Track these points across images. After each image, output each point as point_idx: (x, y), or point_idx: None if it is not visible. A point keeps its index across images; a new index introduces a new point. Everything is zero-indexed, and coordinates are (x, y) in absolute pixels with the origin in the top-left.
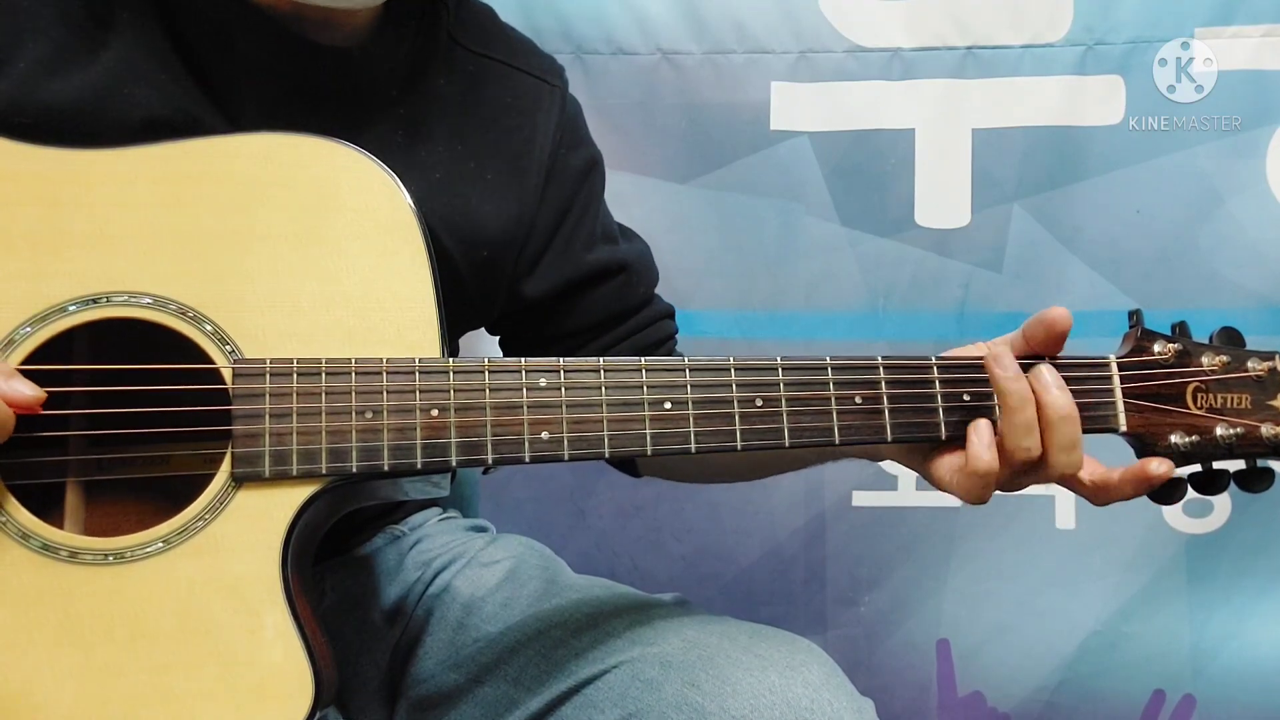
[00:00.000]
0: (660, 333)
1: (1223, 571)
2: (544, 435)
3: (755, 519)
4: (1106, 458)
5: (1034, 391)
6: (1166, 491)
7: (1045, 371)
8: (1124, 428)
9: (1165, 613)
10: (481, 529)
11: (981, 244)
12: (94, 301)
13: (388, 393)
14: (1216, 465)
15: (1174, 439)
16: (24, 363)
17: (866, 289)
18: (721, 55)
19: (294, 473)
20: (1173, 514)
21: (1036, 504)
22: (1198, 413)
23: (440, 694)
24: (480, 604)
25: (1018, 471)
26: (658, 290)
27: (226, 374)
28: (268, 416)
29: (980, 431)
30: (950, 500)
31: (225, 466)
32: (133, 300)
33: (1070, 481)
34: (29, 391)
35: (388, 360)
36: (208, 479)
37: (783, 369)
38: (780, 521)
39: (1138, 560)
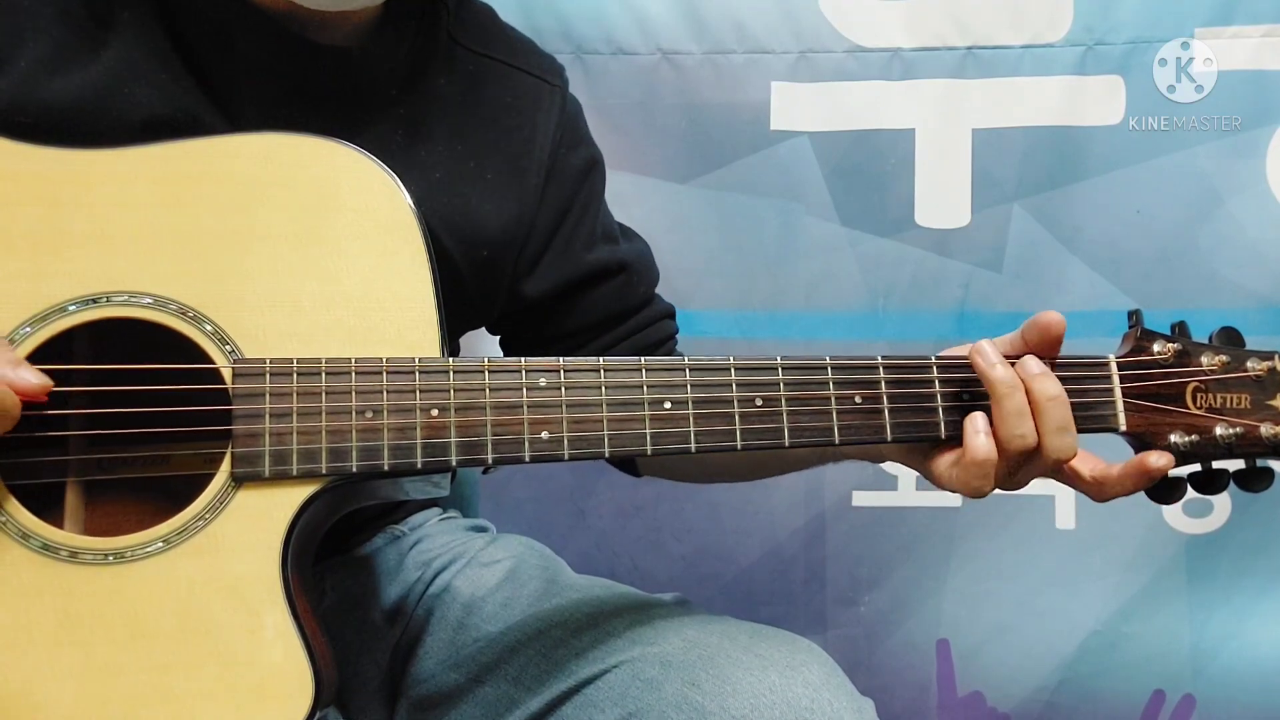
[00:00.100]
0: (660, 333)
1: (1223, 571)
2: (544, 435)
3: (755, 519)
4: (1106, 458)
5: (1021, 379)
6: (1166, 491)
7: (1030, 361)
8: (1124, 427)
9: (1165, 613)
10: (481, 529)
11: (981, 244)
12: (94, 301)
13: (388, 393)
14: (1216, 465)
15: (1173, 438)
16: None
17: (866, 289)
18: (721, 55)
19: (294, 472)
20: (1173, 514)
21: (1036, 504)
22: (1197, 412)
23: (440, 694)
24: (480, 604)
25: (1015, 462)
26: (658, 290)
27: (226, 374)
28: (268, 416)
29: (975, 421)
30: (950, 500)
31: (225, 466)
32: (133, 300)
33: (1070, 476)
34: (35, 380)
35: (388, 360)
36: (208, 479)
37: (783, 369)
38: (780, 521)
39: (1138, 560)
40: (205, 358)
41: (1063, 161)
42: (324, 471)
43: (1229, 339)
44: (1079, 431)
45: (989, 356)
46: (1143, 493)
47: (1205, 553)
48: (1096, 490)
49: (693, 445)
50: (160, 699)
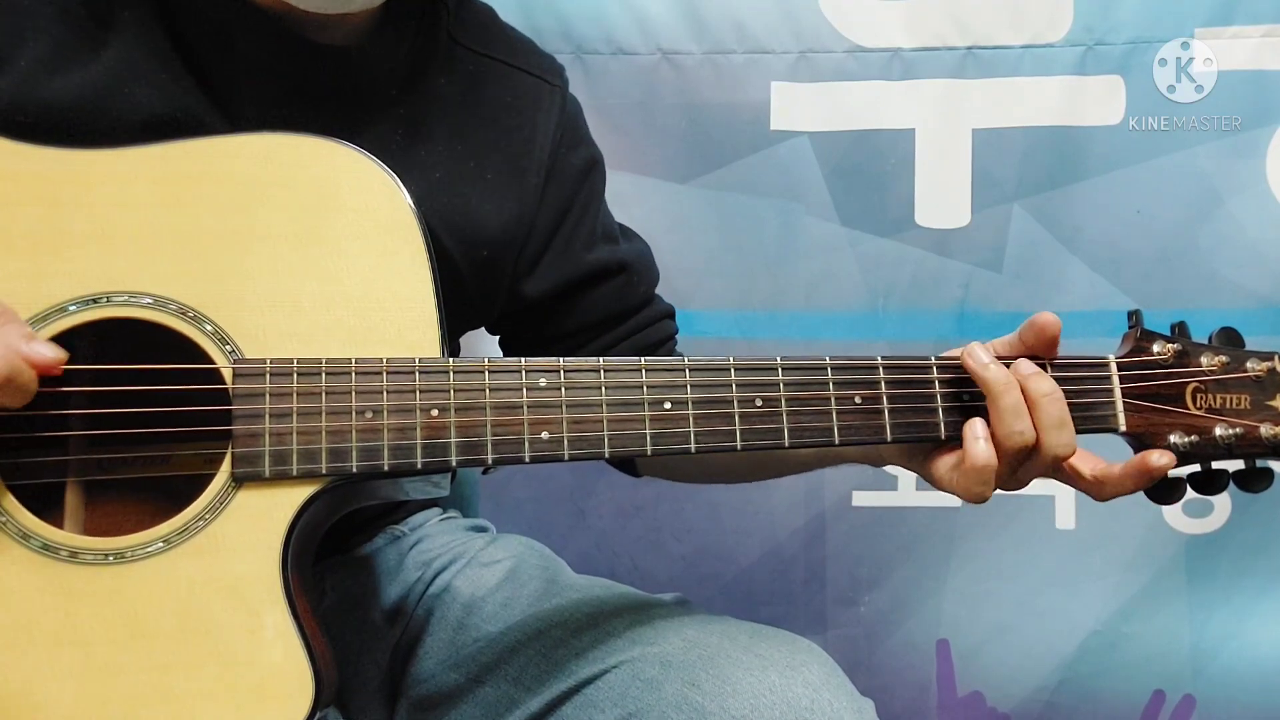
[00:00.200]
0: (660, 333)
1: (1223, 571)
2: (544, 435)
3: (755, 519)
4: (1106, 459)
5: (1016, 378)
6: (1166, 491)
7: (1023, 362)
8: (1123, 428)
9: (1165, 613)
10: (481, 529)
11: (981, 244)
12: (94, 301)
13: (388, 393)
14: (1216, 465)
15: (1173, 439)
16: None
17: (866, 289)
18: (721, 55)
19: (294, 473)
20: (1173, 514)
21: (1036, 504)
22: (1197, 413)
23: (440, 694)
24: (480, 604)
25: (1015, 461)
26: (658, 290)
27: (227, 374)
28: (268, 416)
29: (975, 427)
30: (950, 500)
31: (225, 466)
32: (133, 300)
33: (1070, 475)
34: (51, 353)
35: (388, 360)
36: (208, 479)
37: (783, 369)
38: (780, 521)
39: (1138, 560)
40: (205, 358)
41: (1063, 161)
42: (324, 472)
43: (1229, 339)
44: (1078, 432)
45: (979, 357)
46: (1142, 493)
47: (1205, 553)
48: (1097, 489)
49: (693, 445)
50: (160, 699)
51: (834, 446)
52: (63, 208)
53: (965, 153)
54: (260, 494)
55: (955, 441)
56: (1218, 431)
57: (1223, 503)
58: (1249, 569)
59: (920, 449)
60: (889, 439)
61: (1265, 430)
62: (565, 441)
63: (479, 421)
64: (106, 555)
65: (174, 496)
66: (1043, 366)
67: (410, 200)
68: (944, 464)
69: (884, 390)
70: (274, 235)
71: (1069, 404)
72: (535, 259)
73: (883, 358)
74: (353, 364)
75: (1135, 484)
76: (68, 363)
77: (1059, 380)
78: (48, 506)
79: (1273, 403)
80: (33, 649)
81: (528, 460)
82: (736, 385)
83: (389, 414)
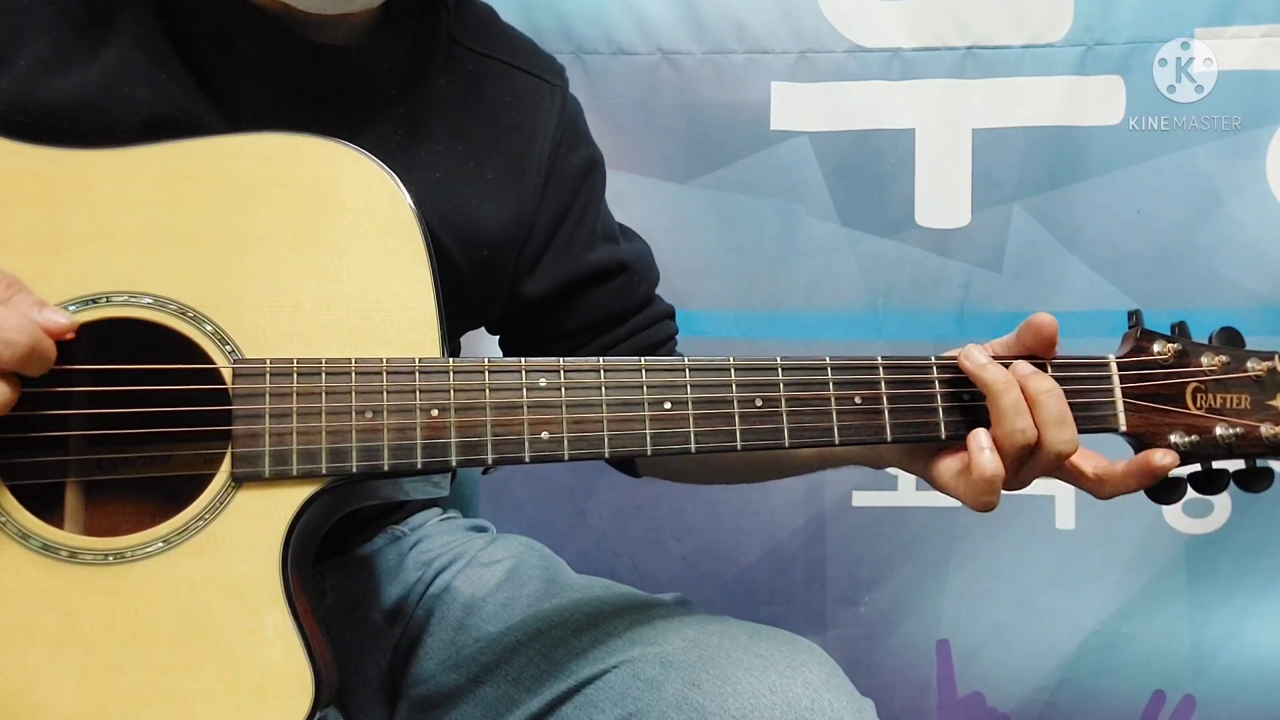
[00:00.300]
0: (661, 333)
1: (1223, 571)
2: (544, 435)
3: (755, 519)
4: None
5: (1015, 378)
6: (1166, 491)
7: (1021, 363)
8: (1124, 428)
9: (1165, 613)
10: (482, 529)
11: (981, 244)
12: (94, 301)
13: (388, 393)
14: (1216, 465)
15: (1173, 439)
16: None
17: (866, 289)
18: (721, 55)
19: (294, 473)
20: (1173, 514)
21: (1036, 504)
22: (1197, 413)
23: (441, 694)
24: (481, 604)
25: (1017, 460)
26: (658, 290)
27: (226, 374)
28: (268, 416)
29: (979, 438)
30: (950, 500)
31: (225, 466)
32: (133, 300)
33: (1072, 473)
34: (63, 319)
35: (388, 360)
36: (208, 479)
37: (783, 369)
38: (780, 521)
39: (1138, 560)
40: (205, 358)
41: (1063, 161)
42: (324, 472)
43: (1229, 339)
44: (1079, 432)
45: (976, 358)
46: (1142, 492)
47: (1205, 553)
48: (1099, 488)
49: (693, 445)
50: (160, 699)
51: (834, 447)
52: (63, 208)
53: (965, 153)
54: (260, 494)
55: (956, 442)
56: (1218, 431)
57: (1223, 503)
58: (1249, 569)
59: (921, 451)
60: (889, 439)
61: (1265, 430)
62: (565, 441)
63: (479, 421)
64: (106, 555)
65: (174, 496)
66: (1042, 367)
67: (410, 200)
68: (947, 469)
69: (884, 390)
70: (274, 235)
71: (1069, 404)
72: (535, 259)
73: (883, 358)
74: (353, 364)
75: (1138, 483)
76: (68, 363)
77: (1059, 380)
78: (47, 506)
79: (1273, 402)
80: (33, 649)
81: (528, 460)
82: (736, 385)
83: (389, 414)
